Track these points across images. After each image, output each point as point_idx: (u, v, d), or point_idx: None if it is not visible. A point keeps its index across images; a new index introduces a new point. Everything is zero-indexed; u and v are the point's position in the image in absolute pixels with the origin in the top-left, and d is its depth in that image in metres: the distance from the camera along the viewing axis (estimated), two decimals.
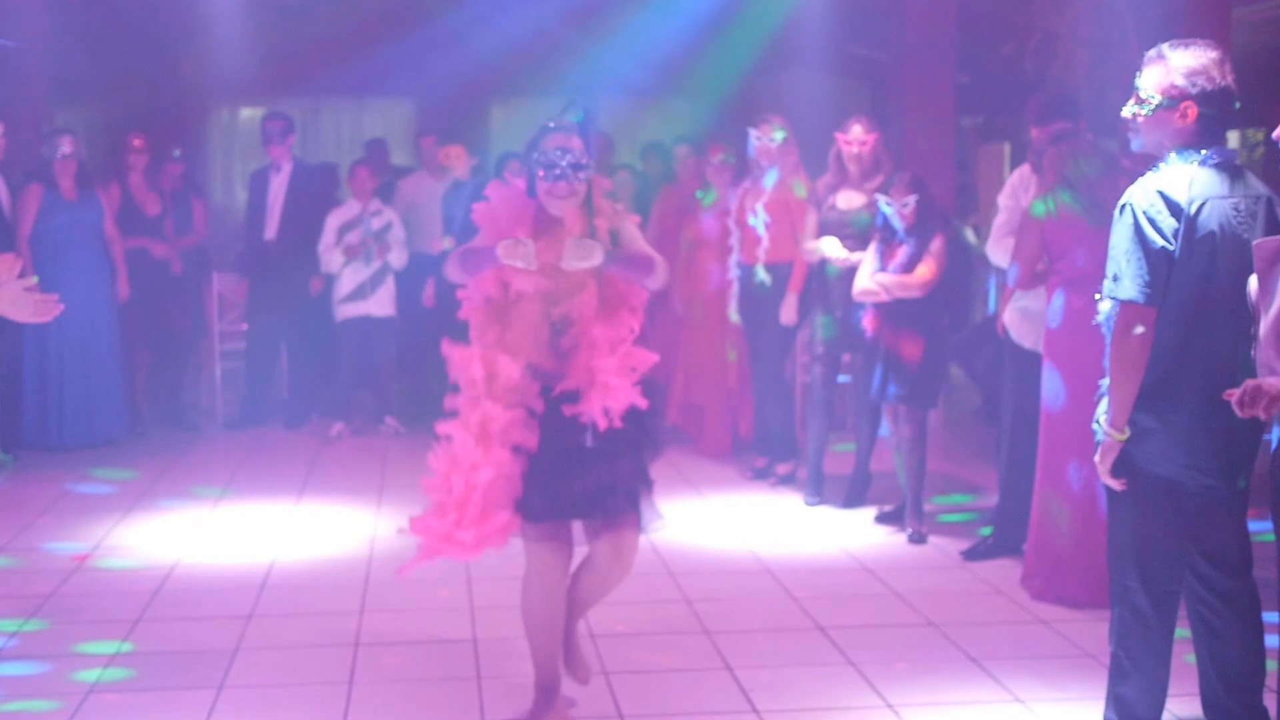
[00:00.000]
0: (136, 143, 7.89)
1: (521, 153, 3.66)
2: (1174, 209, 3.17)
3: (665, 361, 7.19)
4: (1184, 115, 3.23)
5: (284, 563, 5.35)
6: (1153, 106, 3.26)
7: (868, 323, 5.82)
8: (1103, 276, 3.29)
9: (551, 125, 3.63)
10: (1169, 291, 3.19)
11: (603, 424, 3.51)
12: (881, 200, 5.70)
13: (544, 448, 3.53)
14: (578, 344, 3.56)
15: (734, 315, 6.84)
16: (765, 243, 6.51)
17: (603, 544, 3.61)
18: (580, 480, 3.53)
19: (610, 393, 3.51)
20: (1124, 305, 3.20)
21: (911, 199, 5.60)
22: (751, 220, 6.54)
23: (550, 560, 3.61)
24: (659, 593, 4.93)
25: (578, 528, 3.67)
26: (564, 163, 3.53)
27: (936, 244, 5.63)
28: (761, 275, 6.53)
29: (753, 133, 6.55)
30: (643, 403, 3.55)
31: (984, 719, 3.79)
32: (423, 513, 3.58)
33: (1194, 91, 3.21)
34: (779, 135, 6.47)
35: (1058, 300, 4.78)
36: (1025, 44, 8.85)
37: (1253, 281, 3.05)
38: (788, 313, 6.45)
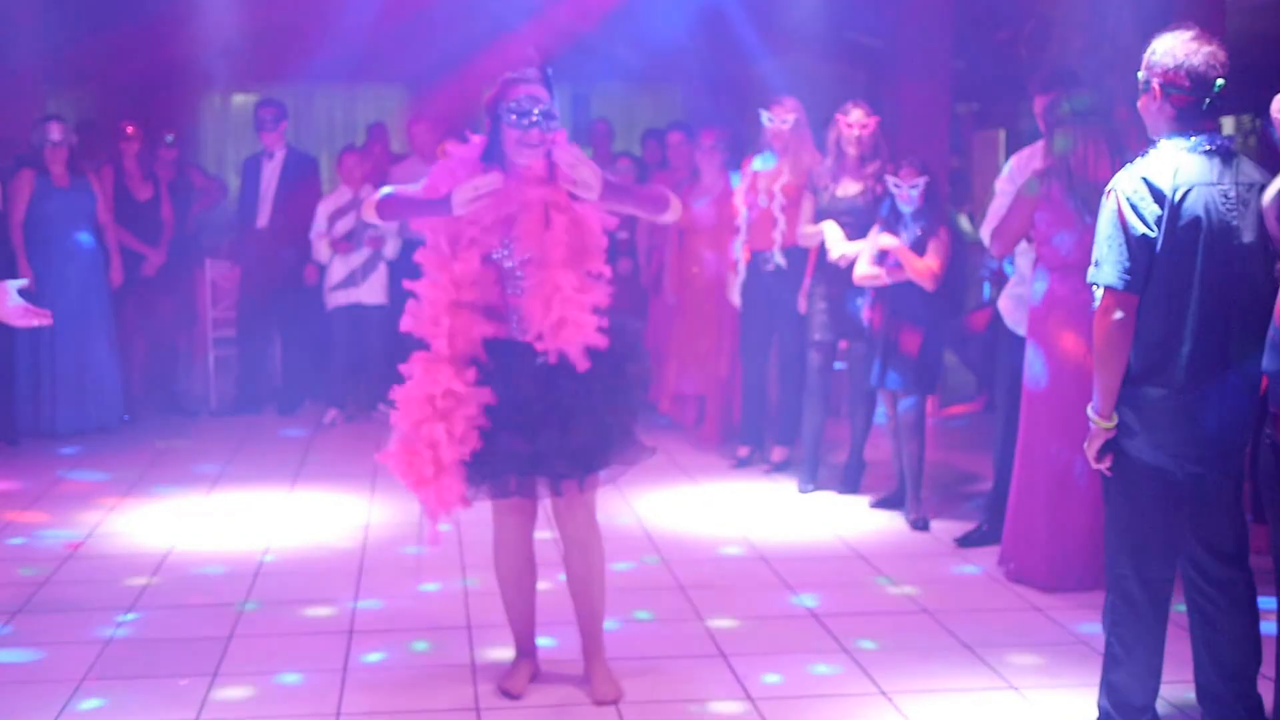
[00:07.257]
0: (129, 130, 7.90)
1: (485, 108, 3.57)
2: (1157, 195, 3.17)
3: (657, 349, 7.18)
4: (1155, 99, 3.25)
5: (278, 550, 5.35)
6: (1139, 93, 3.30)
7: (868, 310, 5.80)
8: (1087, 266, 3.28)
9: (512, 75, 3.55)
10: (1155, 278, 3.19)
11: (581, 365, 3.51)
12: (890, 180, 5.67)
13: (498, 408, 3.57)
14: (540, 286, 3.53)
15: (735, 298, 6.79)
16: (782, 225, 6.47)
17: (563, 522, 3.76)
18: (536, 439, 3.54)
19: (580, 330, 3.51)
20: (1104, 291, 3.21)
21: (921, 181, 5.57)
22: (773, 204, 6.47)
23: (510, 518, 3.77)
24: (653, 579, 4.92)
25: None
26: (536, 110, 3.47)
27: (943, 235, 5.59)
28: (778, 259, 6.50)
29: (765, 115, 6.52)
30: (601, 342, 3.53)
31: (978, 705, 3.79)
32: (392, 446, 3.65)
33: (1161, 77, 3.23)
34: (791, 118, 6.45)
35: (1041, 283, 4.75)
36: (1020, 29, 8.82)
37: (1271, 210, 3.02)
38: (803, 300, 6.40)
